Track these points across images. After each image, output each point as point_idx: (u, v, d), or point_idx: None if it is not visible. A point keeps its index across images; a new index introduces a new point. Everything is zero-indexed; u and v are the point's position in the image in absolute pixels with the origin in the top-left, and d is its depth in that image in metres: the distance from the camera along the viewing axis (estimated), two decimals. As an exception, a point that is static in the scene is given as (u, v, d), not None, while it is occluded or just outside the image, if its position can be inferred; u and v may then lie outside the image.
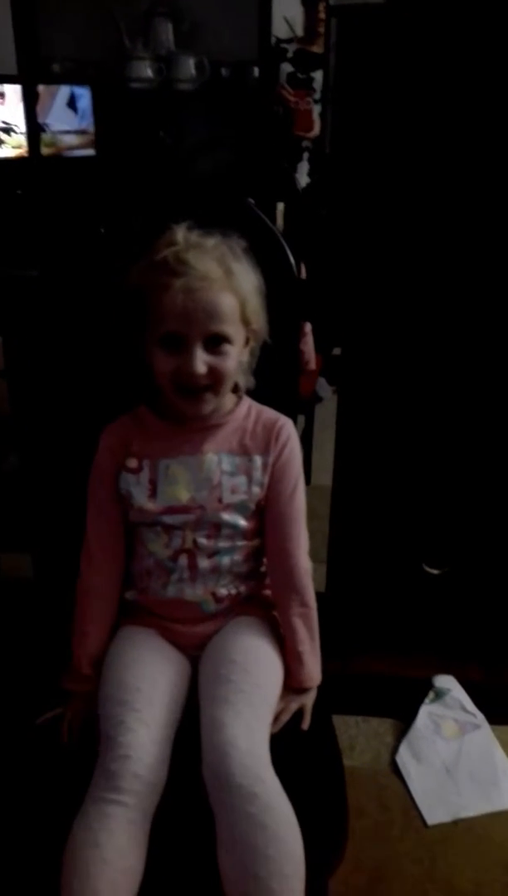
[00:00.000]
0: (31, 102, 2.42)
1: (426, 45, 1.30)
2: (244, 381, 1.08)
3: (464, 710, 1.60)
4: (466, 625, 1.71)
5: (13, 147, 2.66)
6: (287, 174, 2.38)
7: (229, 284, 0.97)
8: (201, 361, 0.96)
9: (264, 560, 1.09)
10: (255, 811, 0.81)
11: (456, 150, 1.35)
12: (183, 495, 1.01)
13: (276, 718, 0.96)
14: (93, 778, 0.86)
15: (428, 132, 1.35)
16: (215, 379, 0.98)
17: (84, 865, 0.80)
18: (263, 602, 1.08)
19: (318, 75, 3.01)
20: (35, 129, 2.45)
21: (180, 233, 0.98)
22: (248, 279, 1.00)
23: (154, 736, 0.89)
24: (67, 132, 2.79)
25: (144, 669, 0.97)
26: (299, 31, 2.98)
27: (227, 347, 0.98)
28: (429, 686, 1.64)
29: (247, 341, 1.04)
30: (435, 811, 1.41)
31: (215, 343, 0.97)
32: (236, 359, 1.01)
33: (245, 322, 1.00)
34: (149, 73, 2.66)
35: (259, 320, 1.03)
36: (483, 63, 1.29)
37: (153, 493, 1.01)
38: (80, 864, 0.80)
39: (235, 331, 0.98)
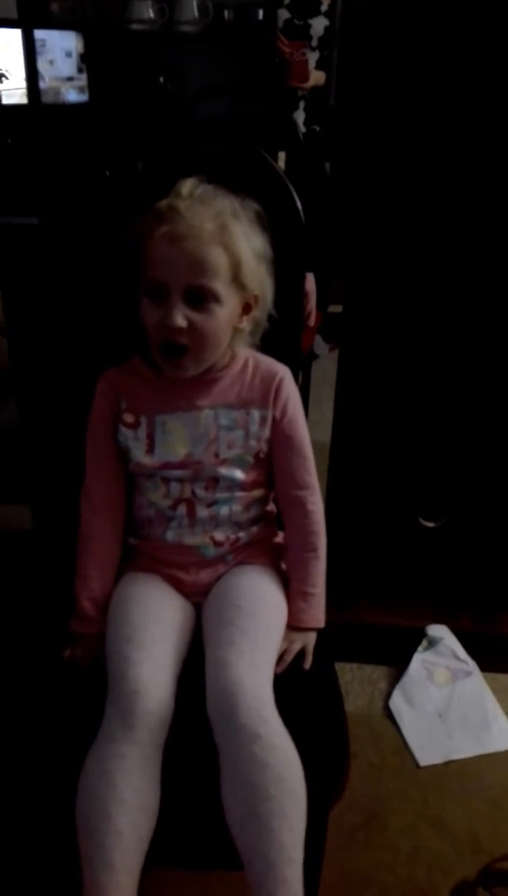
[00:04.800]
0: (30, 47, 2.34)
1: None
2: (247, 351, 1.07)
3: (456, 657, 1.64)
4: (459, 576, 1.74)
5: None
6: (290, 122, 2.35)
7: (220, 239, 0.94)
8: (181, 315, 0.94)
9: (267, 508, 1.11)
10: (257, 750, 0.83)
11: (466, 98, 1.33)
12: (180, 451, 1.02)
13: (279, 659, 0.98)
14: (105, 717, 0.88)
15: (439, 80, 1.33)
16: (194, 339, 0.96)
17: (104, 807, 0.82)
18: (265, 549, 1.10)
19: (315, 22, 2.95)
20: (34, 75, 2.38)
21: (187, 185, 0.97)
22: (247, 241, 0.97)
23: (162, 671, 0.91)
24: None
25: (150, 608, 0.99)
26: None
27: (213, 306, 0.96)
28: (422, 635, 1.68)
29: (247, 308, 1.02)
30: (427, 753, 1.46)
31: (199, 299, 0.95)
32: (226, 323, 0.99)
33: (240, 285, 0.98)
34: (150, 13, 2.58)
35: (261, 287, 1.01)
36: (499, 6, 1.27)
37: (151, 449, 1.03)
38: (99, 805, 0.82)
39: (224, 290, 0.96)
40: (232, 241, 0.95)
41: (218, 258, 0.95)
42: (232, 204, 0.98)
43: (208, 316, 0.96)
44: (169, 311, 0.94)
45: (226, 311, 0.98)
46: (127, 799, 0.82)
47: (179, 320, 0.94)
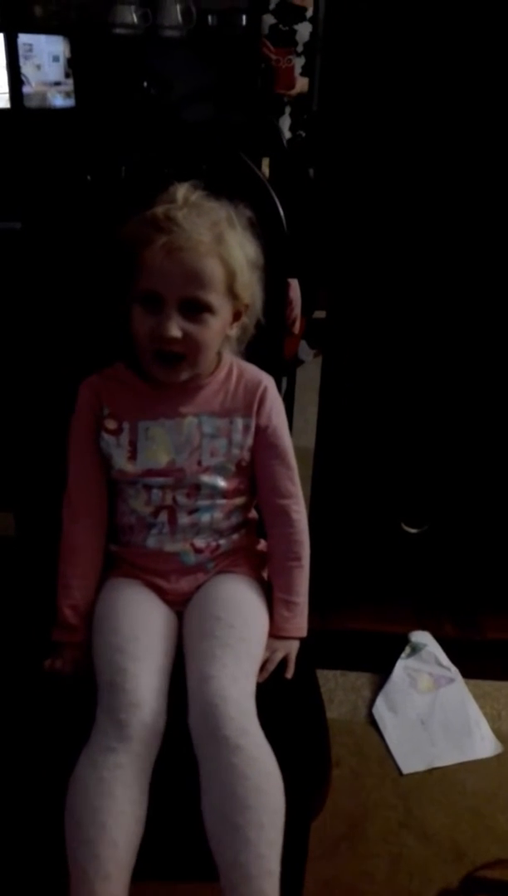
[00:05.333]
0: (13, 51, 2.33)
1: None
2: (231, 358, 1.06)
3: (439, 664, 1.64)
4: (441, 582, 1.75)
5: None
6: (274, 128, 2.35)
7: (217, 251, 0.94)
8: (177, 326, 0.94)
9: (249, 516, 1.10)
10: (237, 762, 0.83)
11: (448, 103, 1.34)
12: (163, 458, 1.01)
13: (262, 667, 0.98)
14: (97, 726, 0.87)
15: (420, 86, 1.33)
16: (190, 348, 0.96)
17: (100, 817, 0.80)
18: (246, 556, 1.09)
19: (300, 28, 2.96)
20: (17, 79, 2.37)
21: (181, 191, 0.96)
22: (242, 251, 0.97)
23: (156, 684, 0.90)
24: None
25: (137, 617, 0.98)
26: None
27: (207, 317, 0.96)
28: (405, 641, 1.68)
29: (237, 316, 1.02)
30: (410, 760, 1.46)
31: (194, 310, 0.95)
32: (219, 331, 0.99)
33: (233, 295, 0.98)
34: (133, 18, 2.58)
35: (252, 296, 1.01)
36: (479, 11, 1.27)
37: (133, 456, 1.02)
38: (95, 815, 0.80)
39: (218, 301, 0.96)
40: (228, 253, 0.95)
41: (214, 270, 0.94)
42: (228, 212, 0.98)
43: (202, 326, 0.96)
44: (164, 322, 0.94)
45: (219, 321, 0.98)
46: (125, 810, 0.82)
47: (175, 331, 0.94)
